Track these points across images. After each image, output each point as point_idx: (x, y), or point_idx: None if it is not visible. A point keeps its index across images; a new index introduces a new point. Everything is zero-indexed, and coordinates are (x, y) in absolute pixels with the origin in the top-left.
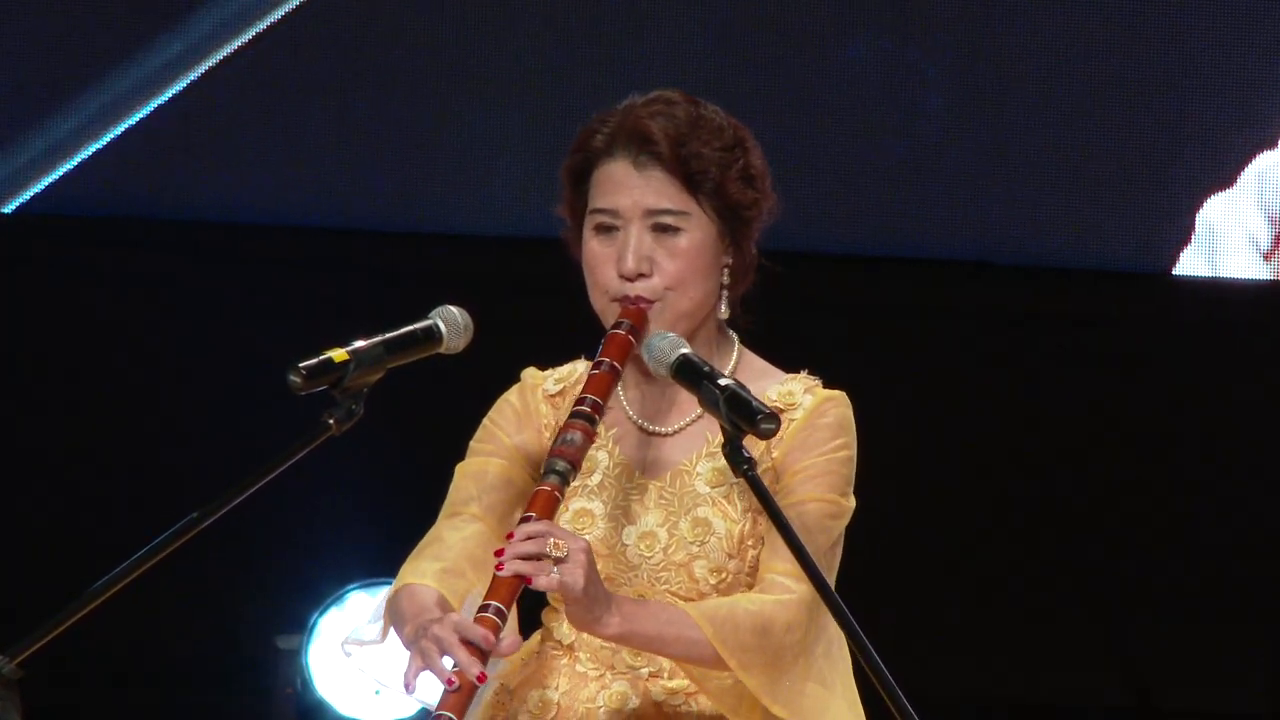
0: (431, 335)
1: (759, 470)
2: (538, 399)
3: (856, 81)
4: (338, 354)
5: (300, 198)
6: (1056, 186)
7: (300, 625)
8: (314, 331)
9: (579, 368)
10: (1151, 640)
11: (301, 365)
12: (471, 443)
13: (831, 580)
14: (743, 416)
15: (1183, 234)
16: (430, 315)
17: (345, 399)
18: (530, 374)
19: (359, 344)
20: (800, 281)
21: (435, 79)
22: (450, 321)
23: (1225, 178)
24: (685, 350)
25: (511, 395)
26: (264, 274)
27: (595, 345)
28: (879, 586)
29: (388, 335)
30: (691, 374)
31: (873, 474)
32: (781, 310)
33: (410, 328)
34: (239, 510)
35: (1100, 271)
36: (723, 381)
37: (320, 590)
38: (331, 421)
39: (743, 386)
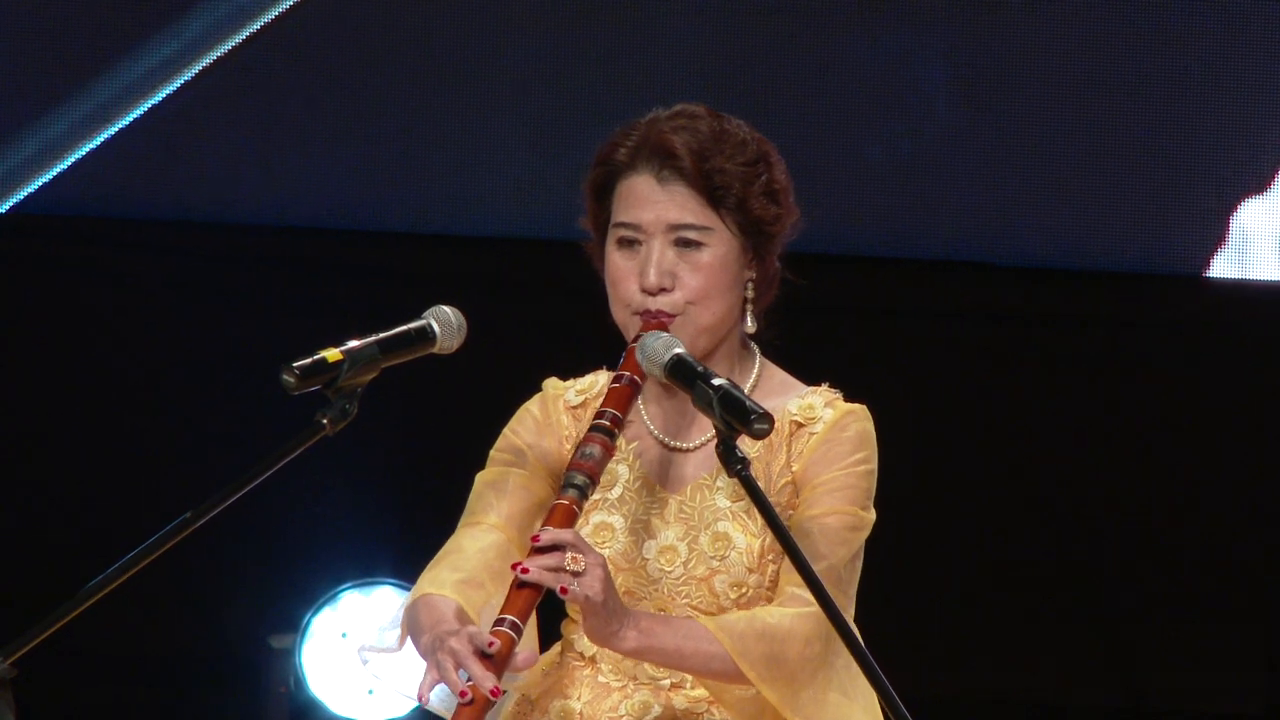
0: (425, 335)
1: (780, 485)
2: (559, 410)
3: (860, 81)
4: (331, 354)
5: (295, 198)
6: (1065, 187)
7: (293, 625)
8: (308, 331)
9: (600, 380)
10: (1147, 641)
11: (295, 365)
12: (491, 451)
13: (852, 592)
14: (736, 416)
15: (1198, 234)
16: (424, 315)
17: (339, 399)
18: (552, 384)
19: (353, 344)
20: (801, 282)
21: (433, 79)
22: (444, 322)
23: (1253, 179)
24: (679, 350)
25: (533, 405)
26: (259, 274)
27: (608, 350)
28: (876, 587)
29: (381, 335)
30: (685, 374)
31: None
32: (779, 311)
33: (404, 328)
34: (232, 510)
35: (1104, 273)
36: (716, 381)
37: (313, 590)
38: (325, 421)
39: (736, 386)
